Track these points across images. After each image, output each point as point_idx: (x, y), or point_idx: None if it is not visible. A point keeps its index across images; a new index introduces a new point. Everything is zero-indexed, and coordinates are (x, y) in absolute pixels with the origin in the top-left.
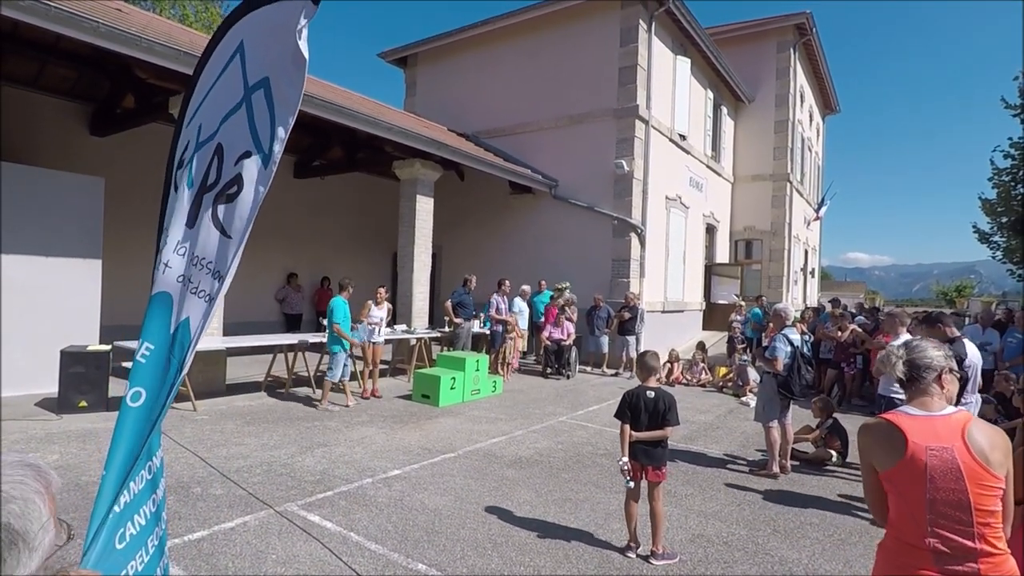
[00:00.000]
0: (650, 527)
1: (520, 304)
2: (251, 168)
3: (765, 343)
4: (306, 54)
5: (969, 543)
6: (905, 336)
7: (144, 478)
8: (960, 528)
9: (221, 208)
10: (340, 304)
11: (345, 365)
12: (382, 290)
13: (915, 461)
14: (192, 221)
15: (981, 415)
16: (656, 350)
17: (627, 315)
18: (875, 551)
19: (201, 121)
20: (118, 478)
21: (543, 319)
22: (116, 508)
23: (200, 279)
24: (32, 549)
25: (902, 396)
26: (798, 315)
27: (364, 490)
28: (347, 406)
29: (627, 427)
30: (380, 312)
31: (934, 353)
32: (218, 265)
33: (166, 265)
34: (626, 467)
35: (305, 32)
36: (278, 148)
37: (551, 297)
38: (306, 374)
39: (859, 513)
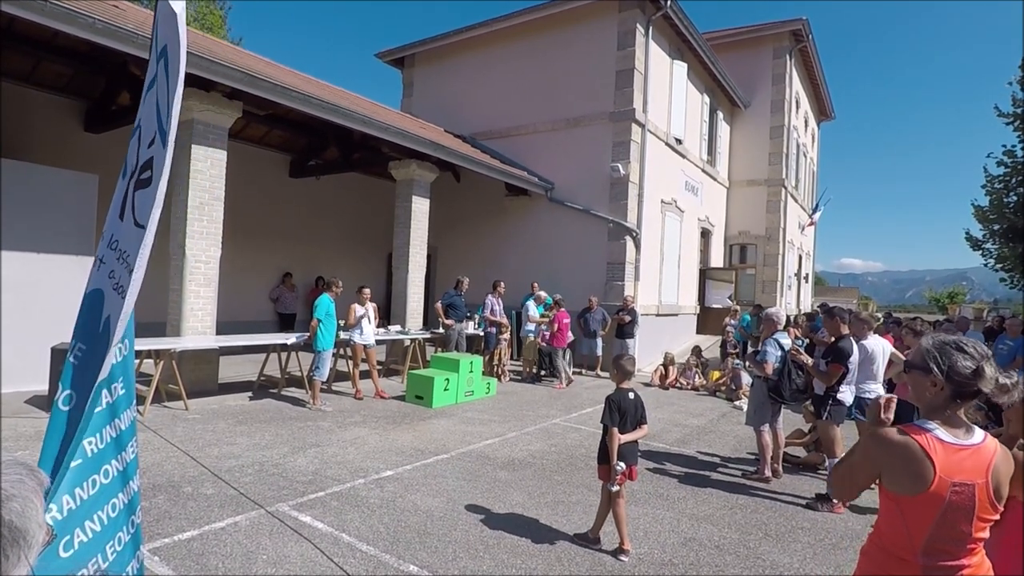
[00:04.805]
0: (617, 526)
1: (532, 309)
2: (158, 149)
3: (752, 348)
4: (175, 7)
5: (956, 562)
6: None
7: (98, 482)
8: (953, 552)
9: (138, 196)
10: (324, 301)
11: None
12: (366, 291)
13: (936, 496)
14: (122, 212)
15: (973, 422)
16: (651, 353)
17: (627, 318)
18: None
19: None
20: (51, 487)
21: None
22: (57, 515)
23: (121, 274)
24: (30, 547)
25: (872, 394)
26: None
27: (356, 491)
28: (316, 406)
29: (617, 431)
30: (363, 310)
31: (990, 372)
32: (131, 258)
33: (100, 261)
34: (623, 471)
35: None
36: (173, 124)
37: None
38: (299, 374)
39: (850, 517)
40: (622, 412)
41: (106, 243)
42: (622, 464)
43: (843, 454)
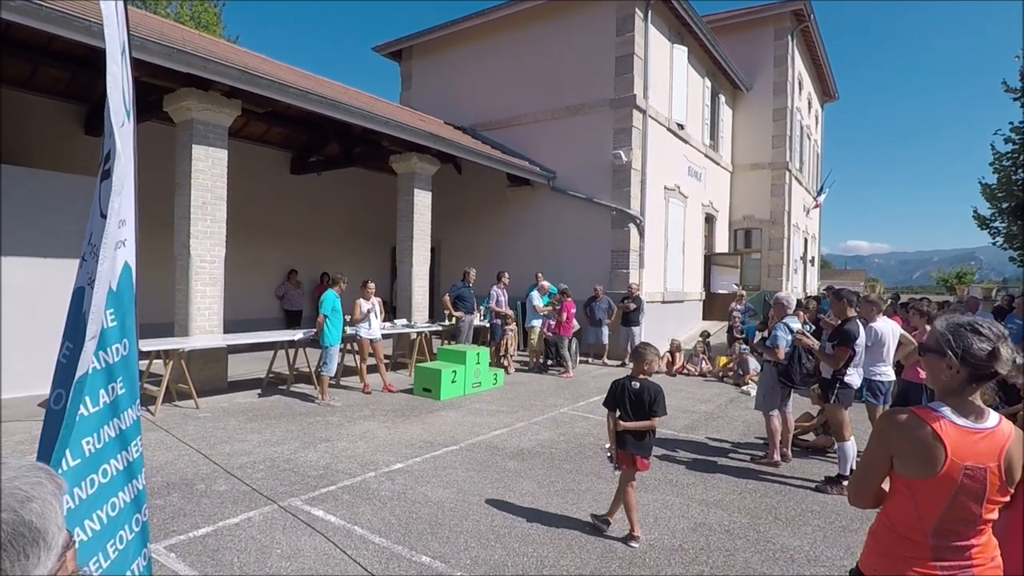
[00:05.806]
0: (627, 513)
1: (537, 299)
2: (111, 138)
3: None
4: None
5: (965, 542)
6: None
7: (96, 481)
8: (962, 533)
9: (103, 187)
10: (330, 297)
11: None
12: (371, 285)
13: (947, 479)
14: (97, 207)
15: (987, 403)
16: (657, 340)
17: (632, 306)
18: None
19: None
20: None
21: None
22: None
23: (93, 268)
24: (49, 548)
25: (882, 376)
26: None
27: (367, 484)
28: (324, 402)
29: (612, 416)
30: (368, 305)
31: (1006, 354)
32: (98, 250)
33: (83, 259)
34: (609, 453)
35: None
36: (109, 107)
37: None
38: (307, 370)
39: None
40: (617, 399)
41: (87, 240)
42: (607, 445)
43: (851, 436)
